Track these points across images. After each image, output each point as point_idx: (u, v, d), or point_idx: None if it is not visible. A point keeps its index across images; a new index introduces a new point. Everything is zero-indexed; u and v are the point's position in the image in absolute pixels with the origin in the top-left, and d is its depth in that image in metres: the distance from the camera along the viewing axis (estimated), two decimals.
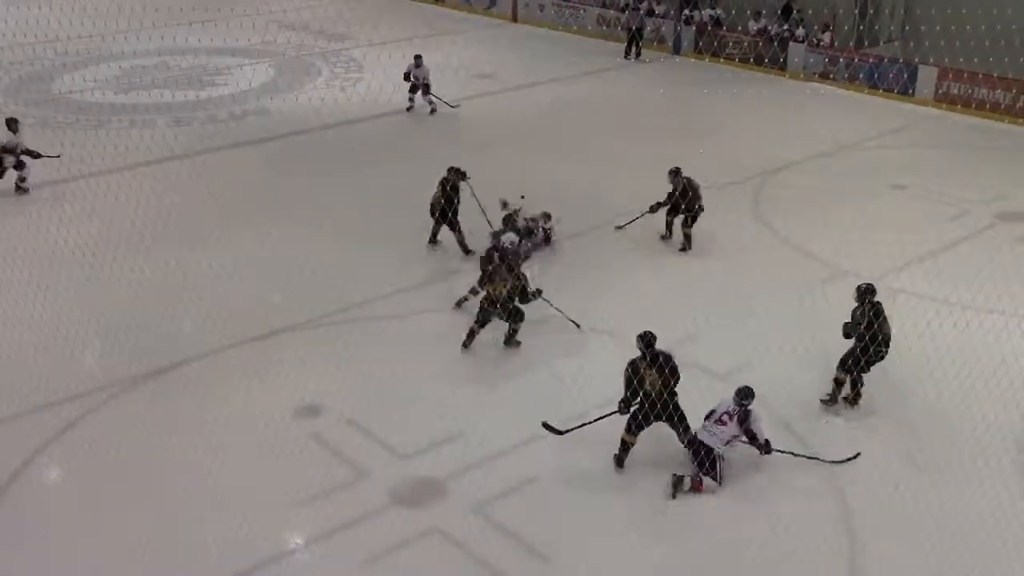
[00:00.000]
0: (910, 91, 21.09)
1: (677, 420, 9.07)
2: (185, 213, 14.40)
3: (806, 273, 12.92)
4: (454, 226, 13.26)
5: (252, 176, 16.52)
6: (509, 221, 13.11)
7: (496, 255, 11.58)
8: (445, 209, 13.16)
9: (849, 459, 9.22)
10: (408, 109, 19.61)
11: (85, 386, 10.32)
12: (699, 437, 9.00)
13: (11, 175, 15.23)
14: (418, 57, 19.47)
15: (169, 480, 8.96)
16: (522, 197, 13.49)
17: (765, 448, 9.00)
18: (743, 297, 12.28)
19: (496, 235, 12.55)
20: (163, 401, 10.20)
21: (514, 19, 28.56)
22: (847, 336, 9.90)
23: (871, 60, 22.05)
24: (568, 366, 10.83)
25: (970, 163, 17.61)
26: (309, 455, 9.35)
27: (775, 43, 23.37)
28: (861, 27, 23.82)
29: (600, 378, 9.98)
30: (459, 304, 11.92)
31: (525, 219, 13.30)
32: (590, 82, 22.82)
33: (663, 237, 13.97)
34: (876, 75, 21.63)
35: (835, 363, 10.24)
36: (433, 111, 19.64)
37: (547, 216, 13.57)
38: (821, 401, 10.20)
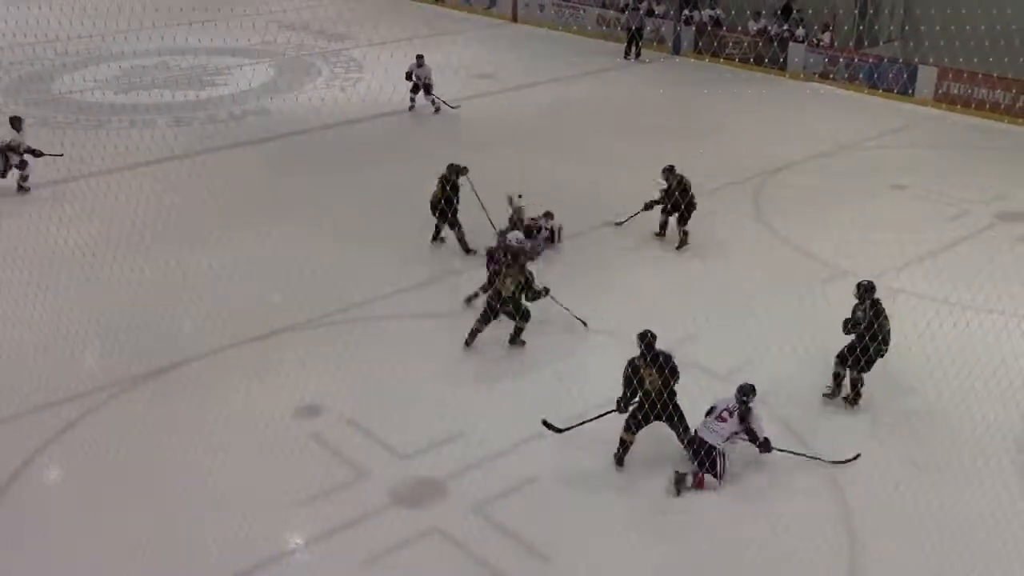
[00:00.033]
0: (910, 91, 21.10)
1: (677, 420, 9.08)
2: (185, 213, 14.40)
3: (806, 273, 12.93)
4: (455, 224, 13.28)
5: (252, 176, 16.52)
6: (516, 220, 13.14)
7: (502, 253, 11.59)
8: (445, 208, 13.19)
9: (849, 460, 9.22)
10: (410, 108, 19.62)
11: (85, 386, 10.32)
12: (699, 434, 9.01)
13: (14, 173, 15.23)
14: (420, 57, 19.47)
15: (169, 480, 8.96)
16: (519, 196, 13.49)
17: (764, 446, 9.00)
18: (743, 297, 12.28)
19: (503, 233, 12.58)
20: (163, 401, 10.20)
21: (514, 19, 28.56)
22: (847, 332, 9.93)
23: (871, 60, 22.05)
24: (568, 366, 10.86)
25: (970, 163, 17.61)
26: (309, 455, 9.35)
27: (775, 43, 23.37)
28: (861, 27, 23.83)
29: (600, 378, 9.98)
30: (469, 301, 11.93)
31: (529, 219, 13.32)
32: (590, 82, 22.82)
33: (657, 235, 14.04)
34: (876, 75, 21.64)
35: (832, 372, 10.29)
36: (437, 110, 19.66)
37: (549, 215, 13.58)
38: (823, 395, 10.26)
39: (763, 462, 9.17)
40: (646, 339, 9.02)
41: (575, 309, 11.49)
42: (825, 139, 18.53)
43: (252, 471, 9.08)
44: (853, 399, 10.12)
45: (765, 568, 8.12)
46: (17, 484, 8.94)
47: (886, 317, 9.83)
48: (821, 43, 23.01)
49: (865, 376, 10.00)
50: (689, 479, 8.89)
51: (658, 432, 9.20)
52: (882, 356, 9.85)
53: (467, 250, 13.39)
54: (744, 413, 8.91)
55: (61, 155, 15.32)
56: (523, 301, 10.96)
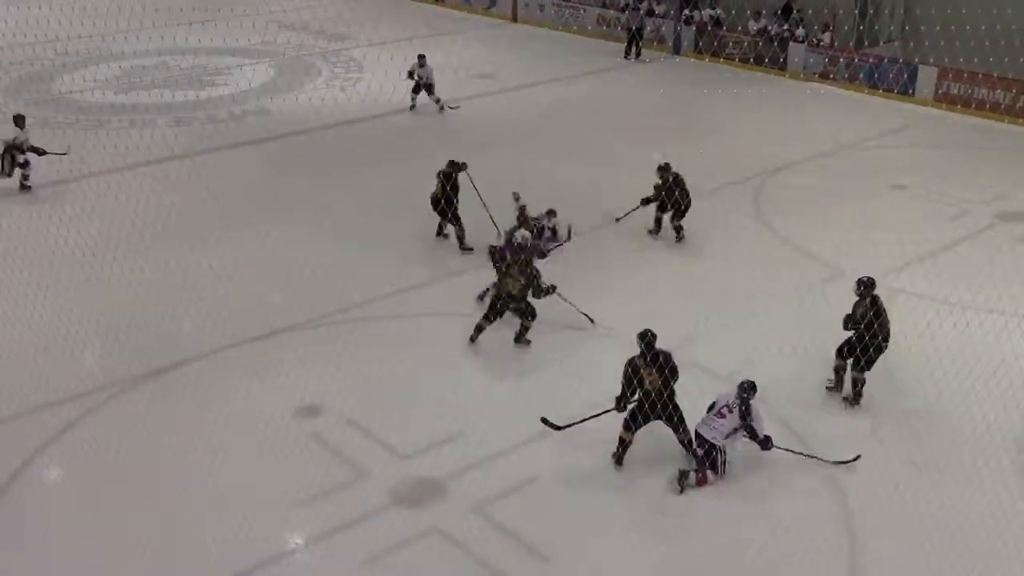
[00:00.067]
0: (910, 91, 21.09)
1: (677, 420, 9.08)
2: (185, 213, 14.40)
3: (806, 273, 12.93)
4: (456, 221, 13.32)
5: (252, 176, 16.52)
6: (523, 219, 13.15)
7: (508, 251, 11.60)
8: (445, 207, 13.22)
9: (849, 461, 9.20)
10: (410, 108, 19.62)
11: (85, 386, 10.32)
12: (699, 431, 9.01)
13: (18, 172, 15.25)
14: (422, 57, 19.48)
15: (169, 480, 8.96)
16: (516, 194, 13.55)
17: (764, 444, 8.99)
18: (743, 297, 12.28)
19: (510, 232, 12.61)
20: (163, 401, 10.20)
21: (514, 19, 28.55)
22: (847, 328, 9.98)
23: (871, 60, 22.05)
24: (568, 366, 10.87)
25: (970, 163, 17.61)
26: (309, 455, 9.35)
27: (775, 43, 23.37)
28: (861, 27, 23.82)
29: (600, 378, 9.97)
30: (481, 297, 11.94)
31: (532, 219, 13.35)
32: (590, 82, 22.82)
33: (651, 232, 14.09)
34: (876, 75, 21.64)
35: (833, 366, 10.34)
36: (442, 109, 19.67)
37: (551, 213, 13.60)
38: (826, 387, 10.33)
39: (763, 462, 9.17)
40: (646, 339, 9.02)
41: (574, 310, 11.49)
42: (825, 139, 18.53)
43: (252, 471, 9.08)
44: (854, 399, 10.12)
45: (765, 568, 8.12)
46: (17, 484, 8.94)
47: (886, 313, 9.84)
48: (821, 43, 23.01)
49: (865, 376, 10.01)
50: (692, 476, 8.90)
51: (657, 432, 9.20)
52: (882, 353, 9.86)
53: (463, 248, 13.42)
54: (744, 409, 8.90)
55: (66, 153, 15.34)
56: (529, 299, 10.98)
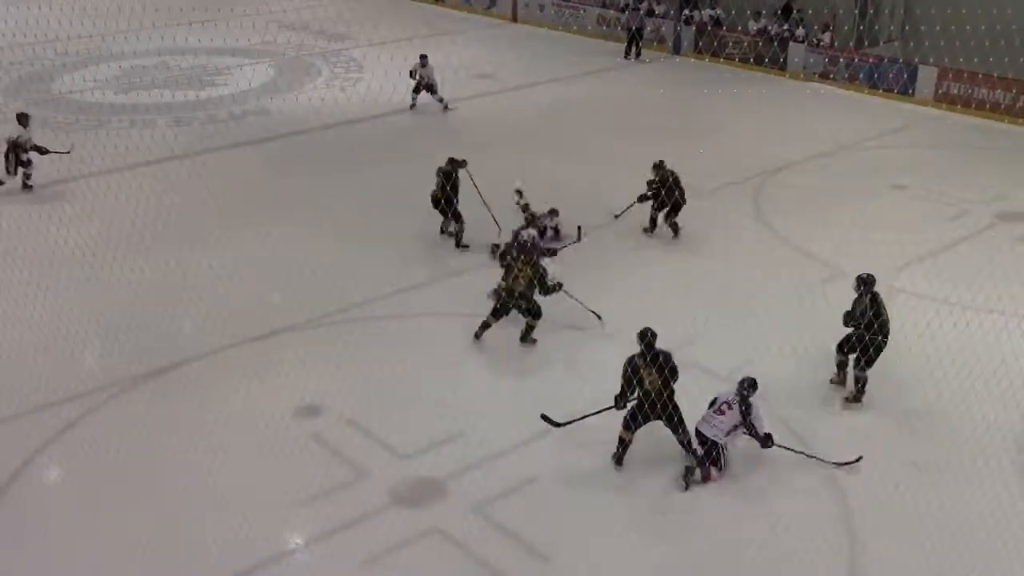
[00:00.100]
0: (910, 91, 21.09)
1: (677, 421, 9.07)
2: (185, 213, 14.40)
3: (806, 273, 12.93)
4: (456, 218, 13.36)
5: (252, 176, 16.52)
6: (531, 218, 13.16)
7: (515, 249, 11.61)
8: (445, 206, 13.25)
9: (850, 463, 9.19)
10: (411, 107, 19.62)
11: (85, 386, 10.32)
12: (699, 429, 9.01)
13: (20, 171, 15.26)
14: (424, 57, 19.50)
15: (169, 480, 8.96)
16: (516, 192, 13.56)
17: (765, 442, 8.98)
18: (743, 297, 12.28)
19: (517, 231, 12.65)
20: (163, 401, 10.20)
21: (514, 19, 28.55)
22: (847, 325, 10.02)
23: (871, 60, 22.05)
24: (567, 367, 10.88)
25: (970, 163, 17.61)
26: (309, 455, 9.35)
27: (775, 43, 23.37)
28: (861, 27, 23.82)
29: (599, 378, 9.96)
30: (492, 294, 11.92)
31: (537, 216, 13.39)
32: (590, 82, 22.82)
33: (646, 230, 14.13)
34: (876, 75, 21.63)
35: (835, 362, 10.37)
36: (446, 108, 19.67)
37: (554, 212, 13.61)
38: (831, 382, 10.38)
39: (763, 461, 9.17)
40: (646, 338, 9.01)
41: (574, 310, 11.49)
42: (825, 139, 18.53)
43: (252, 471, 9.08)
44: (856, 397, 10.13)
45: (765, 568, 8.12)
46: (17, 484, 8.94)
47: (886, 311, 9.86)
48: (821, 43, 23.00)
49: (867, 374, 10.01)
50: (698, 473, 8.91)
51: (657, 432, 9.20)
52: (882, 351, 9.86)
53: (460, 245, 13.47)
54: (744, 406, 8.90)
55: (68, 152, 15.34)
56: (535, 297, 10.99)
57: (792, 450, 9.20)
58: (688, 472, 8.91)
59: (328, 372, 10.48)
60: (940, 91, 20.77)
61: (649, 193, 13.78)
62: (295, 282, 12.37)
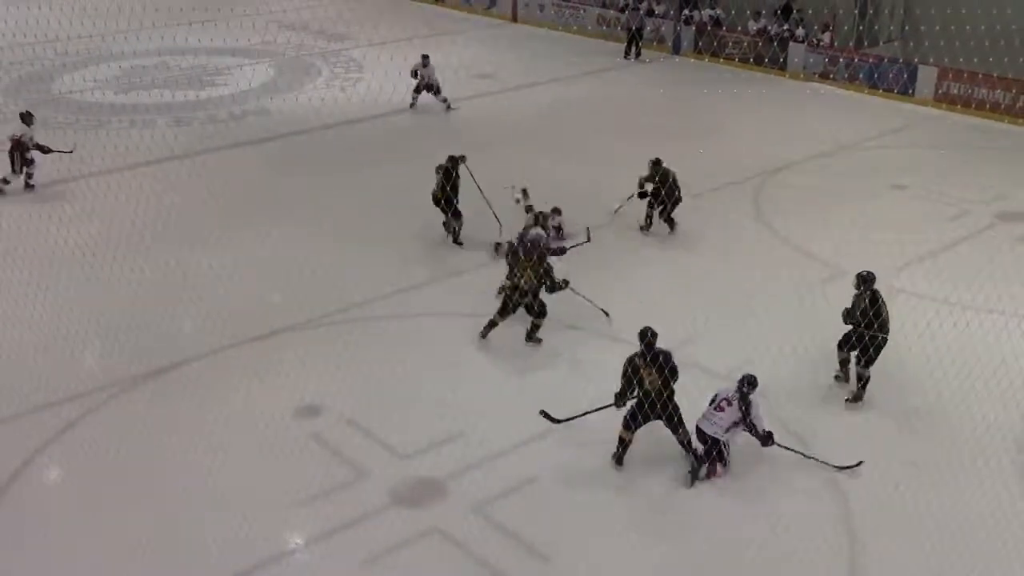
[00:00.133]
0: (910, 91, 21.09)
1: (677, 421, 9.07)
2: (185, 213, 14.40)
3: (806, 273, 12.92)
4: (456, 216, 13.39)
5: (252, 176, 16.52)
6: (539, 218, 13.20)
7: (521, 247, 11.61)
8: (445, 206, 13.26)
9: (852, 467, 9.15)
10: (411, 106, 19.62)
11: (85, 386, 10.32)
12: (699, 426, 9.01)
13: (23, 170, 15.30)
14: (425, 57, 19.51)
15: (169, 480, 8.96)
16: (512, 186, 13.58)
17: (765, 440, 8.96)
18: (743, 297, 12.28)
19: (524, 230, 12.65)
20: (163, 401, 10.20)
21: (514, 19, 28.55)
22: (846, 322, 10.04)
23: (871, 60, 22.05)
24: (567, 367, 10.88)
25: (970, 163, 17.60)
26: (309, 455, 9.35)
27: (775, 43, 23.36)
28: (861, 27, 23.82)
29: (599, 379, 9.96)
30: (500, 291, 11.93)
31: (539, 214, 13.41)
32: (590, 82, 22.81)
33: (642, 228, 14.15)
34: (876, 75, 21.63)
35: (835, 363, 10.43)
36: (449, 108, 19.68)
37: (556, 211, 13.63)
38: (835, 377, 10.42)
39: (763, 461, 9.17)
40: (646, 338, 9.01)
41: (574, 310, 11.50)
42: (825, 139, 18.53)
43: (252, 471, 9.08)
44: (858, 394, 10.13)
45: (765, 568, 8.12)
46: (17, 484, 8.94)
47: (886, 308, 9.87)
48: (821, 43, 23.00)
49: (870, 372, 10.03)
50: (704, 470, 8.91)
51: (657, 432, 9.20)
52: (882, 345, 9.87)
53: (456, 241, 13.57)
54: (744, 404, 8.89)
55: (71, 151, 15.34)
56: (542, 295, 11.00)
57: (793, 450, 9.20)
58: (694, 469, 8.91)
59: (328, 372, 10.48)
60: (940, 91, 20.77)
61: (649, 191, 13.80)
62: (295, 282, 12.37)
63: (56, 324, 11.34)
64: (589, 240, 12.80)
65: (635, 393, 9.06)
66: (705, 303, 12.06)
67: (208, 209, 14.68)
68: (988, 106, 20.12)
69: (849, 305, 10.03)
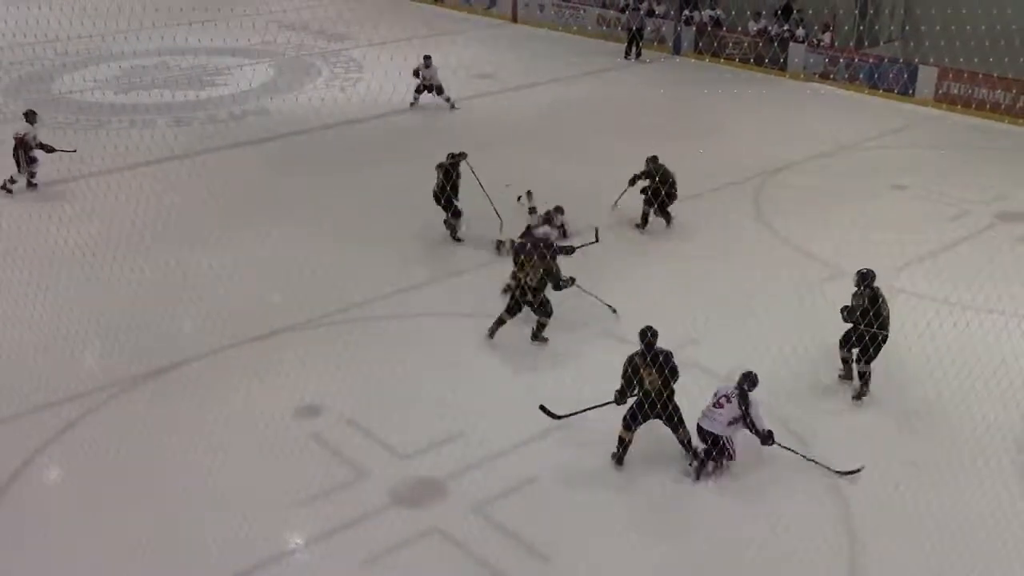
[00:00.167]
0: (910, 91, 21.09)
1: (677, 421, 9.08)
2: (185, 213, 14.40)
3: (806, 273, 12.92)
4: (457, 213, 13.44)
5: (252, 176, 16.52)
6: (548, 216, 13.22)
7: (528, 245, 11.62)
8: (445, 205, 13.28)
9: (852, 472, 9.10)
10: (411, 104, 19.62)
11: (85, 386, 10.32)
12: (700, 424, 9.00)
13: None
14: (427, 57, 19.51)
15: (169, 480, 8.96)
16: (507, 186, 13.58)
17: (765, 439, 8.94)
18: (743, 297, 12.28)
19: (531, 229, 12.67)
20: (163, 401, 10.20)
21: (514, 19, 28.55)
22: (846, 320, 10.05)
23: (871, 60, 22.05)
24: (567, 367, 10.87)
25: (970, 163, 17.60)
26: (309, 455, 9.35)
27: (775, 43, 23.36)
28: (861, 27, 23.81)
29: (599, 379, 9.93)
30: (505, 289, 11.94)
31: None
32: (590, 82, 22.82)
33: (638, 226, 14.20)
34: (876, 75, 21.63)
35: (836, 363, 10.44)
36: (452, 107, 19.68)
37: (559, 210, 13.63)
38: (839, 376, 10.44)
39: (763, 461, 9.17)
40: (646, 338, 9.01)
41: (574, 310, 11.51)
42: (825, 139, 18.53)
43: (252, 471, 9.08)
44: (862, 391, 10.15)
45: (765, 568, 8.12)
46: (17, 484, 8.94)
47: (884, 302, 9.88)
48: (821, 43, 23.00)
49: (871, 368, 10.04)
50: (710, 465, 8.92)
51: (658, 432, 9.20)
52: (883, 342, 9.87)
53: (455, 238, 13.60)
54: (744, 402, 8.88)
55: (74, 151, 15.34)
56: (548, 293, 11.00)
57: (794, 452, 9.19)
58: (701, 465, 8.92)
59: (328, 372, 10.48)
60: (940, 91, 20.77)
61: (646, 186, 13.84)
62: (295, 282, 12.37)
63: (56, 324, 11.34)
64: (597, 240, 12.80)
65: (635, 392, 9.06)
66: (705, 303, 12.06)
67: (208, 209, 14.68)
68: (988, 106, 20.11)
69: (849, 303, 10.04)
